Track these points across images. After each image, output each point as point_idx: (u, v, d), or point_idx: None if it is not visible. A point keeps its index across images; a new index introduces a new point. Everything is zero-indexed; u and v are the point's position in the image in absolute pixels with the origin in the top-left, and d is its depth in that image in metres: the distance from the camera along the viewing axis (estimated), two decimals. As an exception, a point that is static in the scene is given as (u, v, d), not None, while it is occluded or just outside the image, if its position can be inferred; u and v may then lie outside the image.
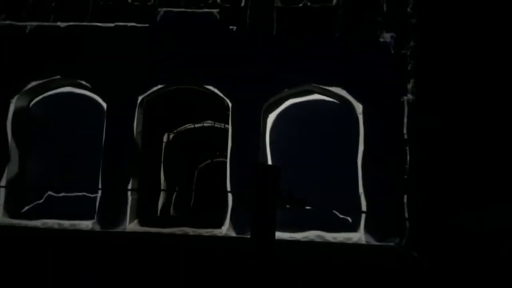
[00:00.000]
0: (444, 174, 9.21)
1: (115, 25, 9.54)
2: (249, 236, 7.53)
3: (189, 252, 5.87)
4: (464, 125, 9.27)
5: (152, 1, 11.18)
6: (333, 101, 9.54)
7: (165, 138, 12.31)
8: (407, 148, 8.86)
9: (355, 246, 7.90)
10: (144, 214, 10.16)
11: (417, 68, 9.02)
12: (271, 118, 9.53)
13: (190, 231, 8.94)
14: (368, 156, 8.80)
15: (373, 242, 8.37)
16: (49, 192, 9.35)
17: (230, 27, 9.55)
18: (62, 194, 9.33)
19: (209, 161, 13.95)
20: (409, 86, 9.11)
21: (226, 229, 8.71)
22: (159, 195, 12.06)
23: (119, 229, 8.71)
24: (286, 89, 9.22)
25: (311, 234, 8.65)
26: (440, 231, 7.63)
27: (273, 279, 2.90)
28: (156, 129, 10.83)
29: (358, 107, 9.02)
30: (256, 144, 8.96)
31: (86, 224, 8.81)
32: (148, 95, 9.28)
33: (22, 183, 9.40)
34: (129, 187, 8.92)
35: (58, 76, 9.29)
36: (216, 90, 9.18)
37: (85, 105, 9.80)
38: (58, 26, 9.47)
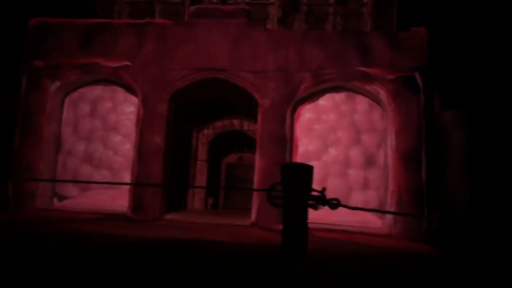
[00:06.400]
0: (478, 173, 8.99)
1: (146, 21, 9.73)
2: (271, 228, 7.70)
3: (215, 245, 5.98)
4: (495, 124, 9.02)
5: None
6: (364, 98, 9.43)
7: (194, 134, 12.48)
8: (440, 146, 8.68)
9: (383, 245, 7.81)
10: (175, 207, 10.40)
11: (450, 65, 8.79)
12: (301, 113, 9.50)
13: (219, 221, 9.09)
14: (400, 154, 8.64)
15: (399, 241, 8.26)
16: (86, 184, 9.67)
17: (259, 24, 9.58)
18: (96, 186, 9.64)
19: (238, 155, 14.05)
20: (442, 83, 8.91)
21: (252, 222, 8.79)
22: (188, 189, 12.28)
23: (150, 217, 8.90)
24: (317, 86, 9.18)
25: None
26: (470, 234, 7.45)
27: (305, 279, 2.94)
28: (187, 125, 11.00)
29: (390, 104, 8.86)
30: (284, 140, 8.98)
31: (121, 211, 9.08)
32: (178, 90, 9.39)
33: (62, 176, 9.78)
34: (160, 181, 9.10)
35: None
36: (245, 86, 9.23)
37: (118, 100, 10.07)
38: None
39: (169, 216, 9.40)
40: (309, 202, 2.97)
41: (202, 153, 12.70)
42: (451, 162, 9.40)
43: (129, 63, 9.40)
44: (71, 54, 9.52)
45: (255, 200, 8.88)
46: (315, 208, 2.97)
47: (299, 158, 9.21)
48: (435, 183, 8.66)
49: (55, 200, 9.72)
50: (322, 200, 2.91)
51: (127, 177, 9.53)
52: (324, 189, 2.98)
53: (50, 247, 5.12)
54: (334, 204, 2.85)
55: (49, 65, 9.53)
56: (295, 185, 3.05)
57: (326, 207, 3.16)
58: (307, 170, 3.07)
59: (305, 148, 9.39)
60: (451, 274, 5.09)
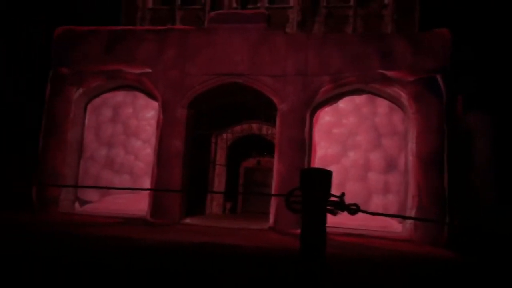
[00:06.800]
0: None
1: (167, 28, 9.86)
2: (289, 233, 7.64)
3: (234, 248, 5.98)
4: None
5: (201, 5, 11.52)
6: (385, 101, 9.30)
7: (213, 139, 12.55)
8: (462, 149, 8.48)
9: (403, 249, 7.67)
10: (193, 211, 10.47)
11: (475, 66, 8.59)
12: (320, 117, 9.44)
13: (237, 225, 9.10)
14: (421, 157, 8.47)
15: (420, 246, 8.08)
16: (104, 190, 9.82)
17: (279, 28, 9.61)
18: (117, 191, 9.77)
19: (256, 160, 14.05)
20: (465, 83, 8.72)
21: (269, 226, 8.76)
22: (207, 193, 12.33)
23: (169, 221, 8.98)
24: (336, 89, 9.10)
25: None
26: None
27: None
28: (206, 130, 11.07)
29: (412, 107, 8.70)
30: (303, 144, 8.93)
31: (141, 215, 9.19)
32: (198, 95, 9.46)
33: (84, 180, 9.98)
34: (179, 186, 9.17)
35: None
36: (264, 90, 9.23)
37: (139, 105, 10.22)
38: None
39: (187, 220, 9.46)
40: (328, 207, 2.93)
41: (220, 157, 12.75)
42: (475, 167, 9.18)
43: (151, 70, 9.53)
44: (95, 61, 9.72)
45: (273, 204, 8.86)
46: (334, 213, 2.94)
47: (317, 162, 9.15)
48: (458, 187, 8.46)
49: (77, 204, 9.90)
50: (341, 205, 2.87)
51: (147, 182, 9.65)
52: (343, 194, 2.93)
53: (71, 250, 5.22)
54: (353, 209, 2.81)
55: (74, 72, 9.76)
56: (314, 190, 3.02)
57: (345, 212, 3.12)
58: (326, 175, 3.04)
59: (324, 152, 9.32)
60: (474, 280, 4.95)
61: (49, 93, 9.80)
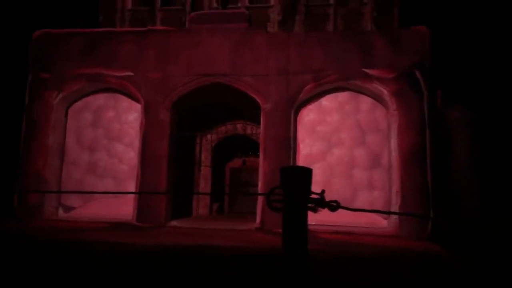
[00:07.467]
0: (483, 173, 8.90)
1: (147, 29, 9.77)
2: (276, 232, 7.62)
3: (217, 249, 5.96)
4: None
5: (182, 6, 11.45)
6: (368, 98, 9.38)
7: (198, 140, 12.48)
8: (443, 145, 8.60)
9: (387, 244, 7.74)
10: (180, 213, 10.39)
11: (458, 62, 8.71)
12: (304, 115, 9.47)
13: (224, 226, 9.07)
14: (403, 153, 8.56)
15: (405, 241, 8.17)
16: (89, 194, 9.68)
17: (260, 27, 9.61)
18: (101, 196, 9.64)
19: (241, 160, 14.04)
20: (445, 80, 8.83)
21: (256, 226, 8.75)
22: (193, 195, 12.27)
23: (155, 224, 8.91)
24: (319, 87, 9.14)
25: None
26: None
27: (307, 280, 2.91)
28: (190, 131, 11.00)
29: (393, 104, 8.79)
30: (288, 143, 8.94)
31: (126, 220, 9.09)
32: (181, 96, 9.40)
33: (67, 185, 9.83)
34: (165, 188, 9.10)
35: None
36: (247, 90, 9.21)
37: (121, 108, 10.11)
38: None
39: (174, 223, 9.39)
40: (309, 205, 2.94)
41: (206, 158, 12.69)
42: (456, 162, 9.31)
43: (132, 72, 9.41)
44: (75, 65, 9.56)
45: (259, 204, 8.85)
46: (315, 211, 2.94)
47: (302, 160, 9.17)
48: (440, 182, 8.57)
49: (60, 211, 9.73)
50: (321, 202, 2.88)
51: (131, 186, 9.54)
52: (323, 191, 2.94)
53: (59, 257, 5.13)
54: (334, 206, 2.82)
55: (53, 76, 9.57)
56: (295, 188, 3.02)
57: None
58: (306, 173, 3.04)
59: (309, 150, 9.35)
60: (461, 274, 5.02)
61: (28, 98, 9.61)
